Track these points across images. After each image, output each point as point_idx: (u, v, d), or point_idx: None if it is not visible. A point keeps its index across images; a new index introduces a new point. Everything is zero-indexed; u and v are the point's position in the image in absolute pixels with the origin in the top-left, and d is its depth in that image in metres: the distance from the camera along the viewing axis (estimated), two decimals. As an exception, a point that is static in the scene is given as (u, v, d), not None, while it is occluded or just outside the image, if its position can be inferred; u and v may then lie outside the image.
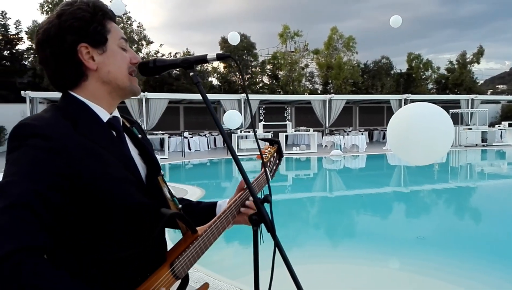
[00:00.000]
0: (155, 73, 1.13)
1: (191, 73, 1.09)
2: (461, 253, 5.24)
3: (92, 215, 0.97)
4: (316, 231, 6.78)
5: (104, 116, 1.09)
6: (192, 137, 20.63)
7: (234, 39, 14.59)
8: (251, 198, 1.32)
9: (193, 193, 8.82)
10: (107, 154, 1.02)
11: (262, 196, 1.17)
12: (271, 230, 1.05)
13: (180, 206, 1.24)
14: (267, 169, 1.43)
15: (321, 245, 5.95)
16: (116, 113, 1.15)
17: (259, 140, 1.30)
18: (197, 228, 1.17)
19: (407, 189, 10.52)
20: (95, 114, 1.06)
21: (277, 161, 1.55)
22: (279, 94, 32.66)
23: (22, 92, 17.75)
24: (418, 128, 3.43)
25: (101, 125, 1.07)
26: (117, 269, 1.01)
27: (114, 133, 1.10)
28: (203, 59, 1.10)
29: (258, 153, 1.35)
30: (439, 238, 6.00)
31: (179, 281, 1.14)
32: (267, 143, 1.56)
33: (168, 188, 1.23)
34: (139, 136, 1.21)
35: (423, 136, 3.37)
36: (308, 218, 7.84)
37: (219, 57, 1.08)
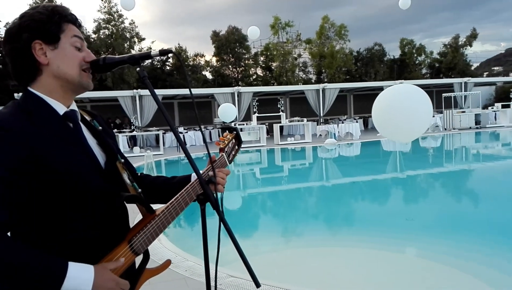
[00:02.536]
0: (106, 70, 1.23)
1: (137, 68, 1.19)
2: (457, 234, 5.37)
3: (55, 197, 1.10)
4: (312, 219, 6.89)
5: (60, 109, 1.20)
6: (187, 132, 20.68)
7: (254, 33, 14.42)
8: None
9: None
10: (63, 142, 1.14)
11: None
12: (216, 207, 1.17)
13: (140, 190, 1.34)
14: (223, 154, 1.53)
15: (318, 231, 6.06)
16: (74, 106, 1.26)
17: (221, 128, 1.45)
18: (156, 209, 1.28)
19: (402, 175, 10.64)
20: (51, 107, 1.18)
21: (236, 147, 1.65)
22: (273, 85, 32.68)
23: (15, 95, 17.77)
24: (393, 107, 3.61)
25: (57, 117, 1.18)
26: (79, 247, 1.13)
27: (71, 124, 1.21)
28: (148, 55, 1.20)
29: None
30: (429, 220, 6.12)
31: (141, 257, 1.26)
32: (227, 131, 1.67)
33: (129, 174, 1.34)
34: (100, 128, 1.31)
35: (399, 112, 3.55)
36: (304, 206, 7.97)
37: (161, 53, 1.18)
